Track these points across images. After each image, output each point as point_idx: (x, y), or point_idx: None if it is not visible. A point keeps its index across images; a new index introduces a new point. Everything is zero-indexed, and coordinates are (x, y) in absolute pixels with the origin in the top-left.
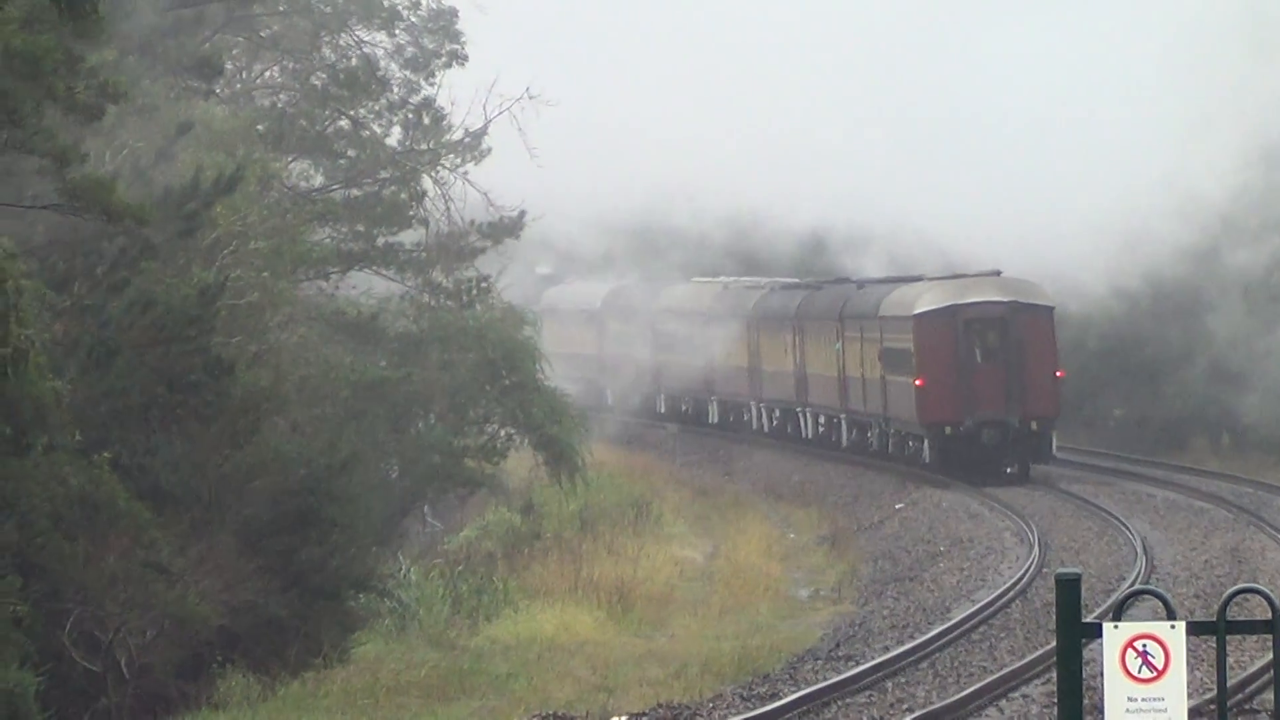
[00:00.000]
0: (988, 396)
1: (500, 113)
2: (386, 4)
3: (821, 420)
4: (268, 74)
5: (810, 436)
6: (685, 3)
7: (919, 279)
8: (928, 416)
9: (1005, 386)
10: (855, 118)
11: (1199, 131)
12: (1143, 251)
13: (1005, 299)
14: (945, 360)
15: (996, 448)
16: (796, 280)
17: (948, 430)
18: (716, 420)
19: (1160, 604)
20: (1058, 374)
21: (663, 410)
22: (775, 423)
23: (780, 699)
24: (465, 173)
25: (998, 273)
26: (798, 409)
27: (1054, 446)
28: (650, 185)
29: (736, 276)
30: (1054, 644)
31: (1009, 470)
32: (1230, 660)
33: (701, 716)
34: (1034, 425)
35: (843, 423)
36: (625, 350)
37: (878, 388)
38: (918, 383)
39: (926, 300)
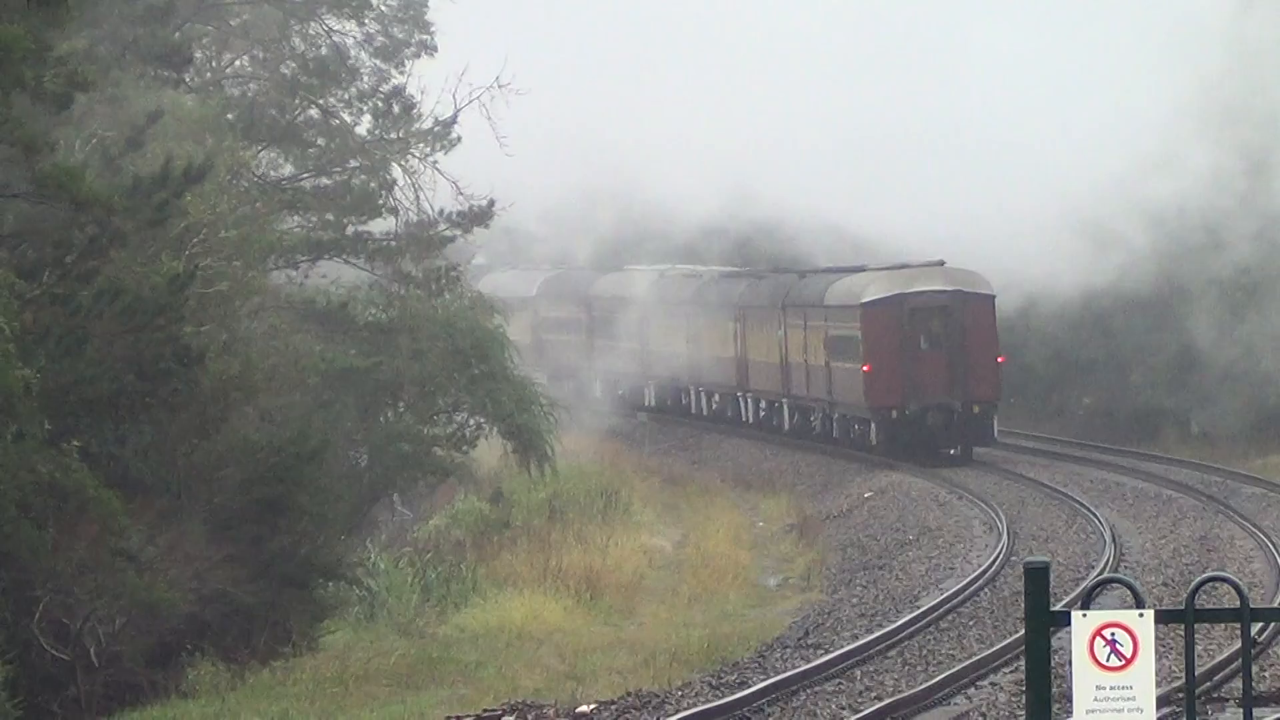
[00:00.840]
0: (932, 381)
1: (470, 101)
2: None
3: (763, 405)
4: (237, 63)
5: (750, 420)
6: None
7: (862, 269)
8: (875, 401)
9: (949, 372)
10: (823, 117)
11: (1175, 127)
12: (1115, 244)
13: (949, 288)
14: (892, 347)
15: (940, 430)
16: (736, 269)
17: (894, 414)
18: (654, 404)
19: (1129, 592)
20: (999, 359)
21: (598, 394)
22: (715, 407)
23: (749, 687)
24: (435, 162)
25: (941, 263)
26: (738, 394)
27: (995, 429)
28: (618, 174)
29: (672, 265)
30: (1022, 632)
31: (952, 452)
32: (1199, 648)
33: (670, 705)
34: (976, 409)
35: (784, 407)
36: (560, 336)
37: (822, 374)
38: (865, 369)
39: (874, 290)
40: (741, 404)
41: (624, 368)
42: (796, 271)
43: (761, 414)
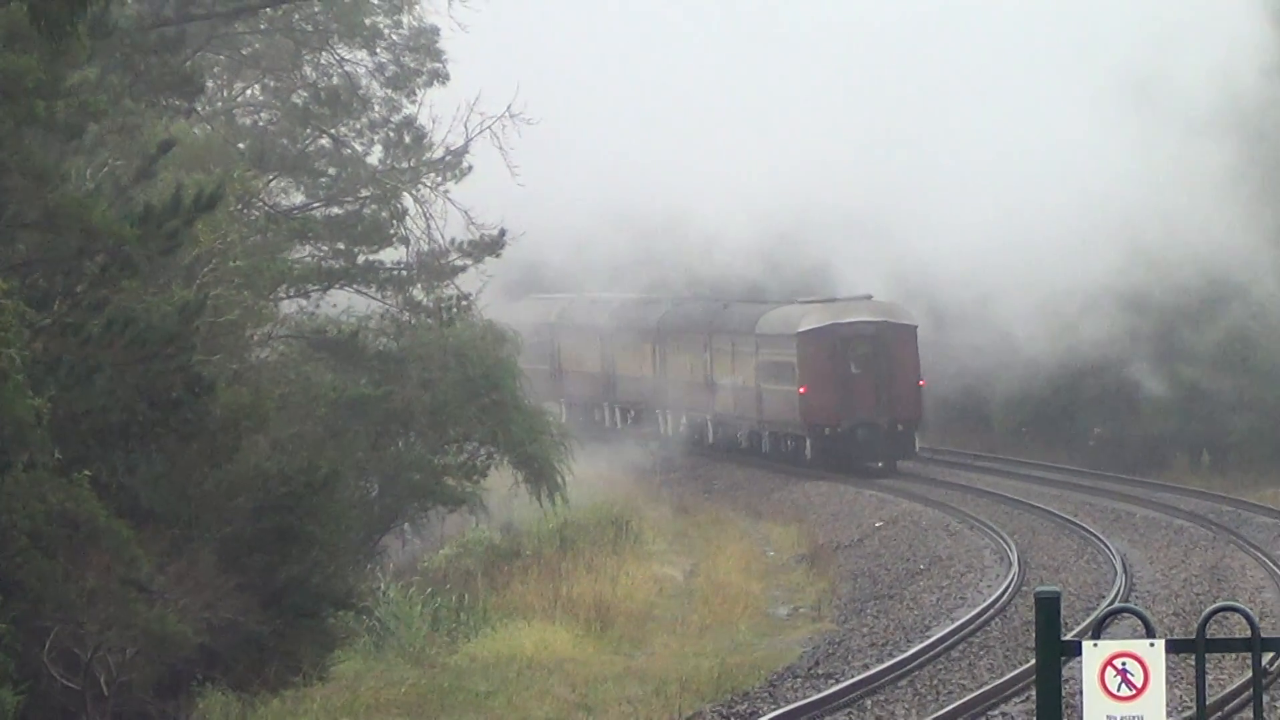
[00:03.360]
0: (861, 402)
1: (481, 131)
2: (368, 22)
3: (684, 421)
4: (249, 92)
5: (670, 434)
6: (664, 23)
7: (790, 302)
8: (810, 419)
9: (875, 393)
10: (832, 143)
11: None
12: (1129, 275)
13: (876, 319)
14: (825, 371)
15: (868, 445)
16: (649, 296)
17: (827, 431)
18: (565, 419)
19: (1140, 622)
20: (920, 383)
21: None
22: (630, 421)
23: (759, 717)
24: (446, 191)
25: (869, 296)
26: (656, 409)
27: (916, 445)
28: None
29: (579, 293)
30: (1033, 662)
31: (879, 465)
32: (1209, 678)
33: None
34: (900, 427)
35: (709, 423)
36: None
37: (751, 394)
38: (801, 390)
39: (809, 320)
40: (661, 419)
41: (534, 385)
42: (719, 301)
43: (682, 429)
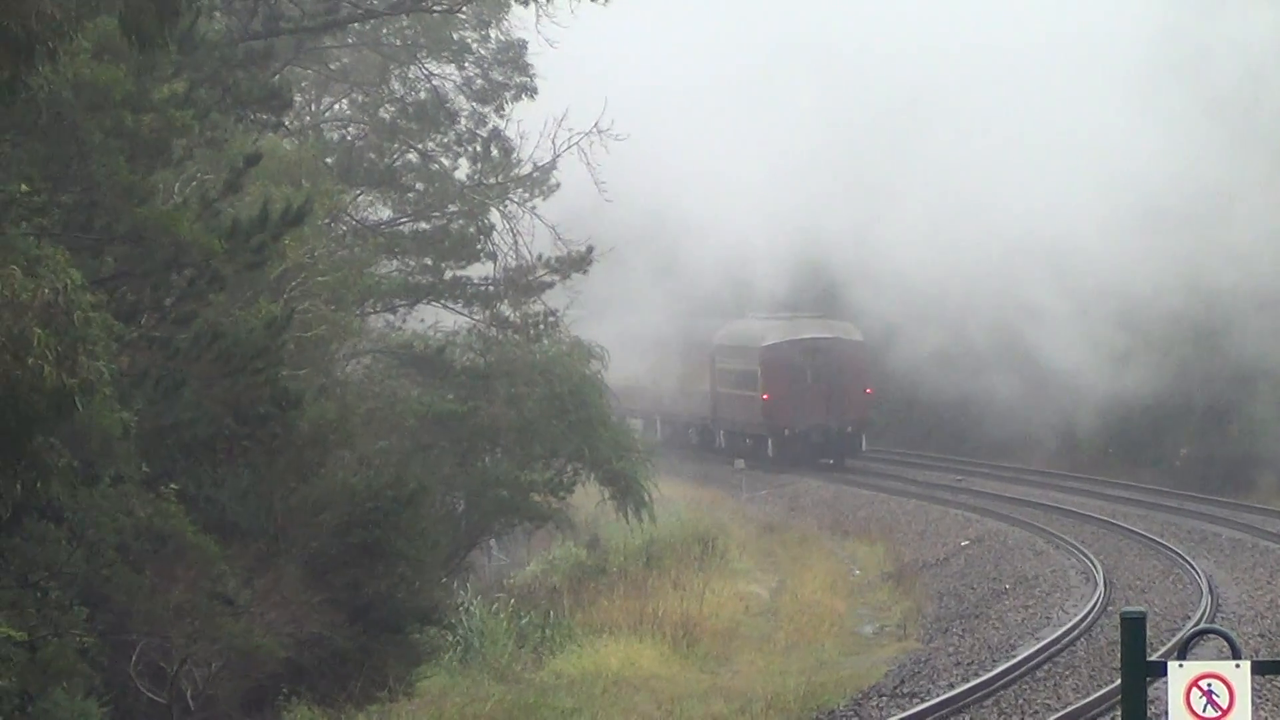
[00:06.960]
0: (815, 407)
1: (569, 147)
2: (455, 37)
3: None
4: (336, 106)
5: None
6: (754, 43)
7: (742, 316)
8: (772, 422)
9: (828, 399)
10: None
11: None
12: (1203, 291)
13: (830, 335)
14: (785, 380)
15: (821, 445)
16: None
17: (786, 432)
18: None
19: (1225, 643)
20: (867, 391)
21: None
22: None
23: None
24: (533, 207)
25: (822, 313)
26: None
27: (863, 444)
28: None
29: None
30: (1119, 683)
31: (830, 462)
32: None
33: None
34: (849, 429)
35: (658, 422)
36: None
37: (706, 398)
38: (764, 397)
39: (771, 335)
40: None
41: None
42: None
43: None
